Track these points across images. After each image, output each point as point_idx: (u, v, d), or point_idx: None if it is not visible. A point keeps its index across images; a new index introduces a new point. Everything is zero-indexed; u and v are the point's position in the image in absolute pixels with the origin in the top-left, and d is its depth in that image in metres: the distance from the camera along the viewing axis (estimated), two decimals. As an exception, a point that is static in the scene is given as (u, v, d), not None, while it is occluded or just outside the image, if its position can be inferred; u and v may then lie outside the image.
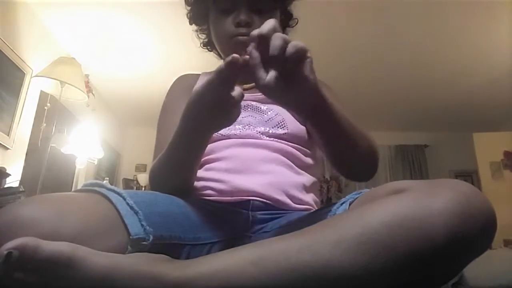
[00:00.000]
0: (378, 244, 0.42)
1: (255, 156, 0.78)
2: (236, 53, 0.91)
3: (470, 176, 4.46)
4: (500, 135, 4.11)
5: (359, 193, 0.60)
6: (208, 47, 1.00)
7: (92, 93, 3.37)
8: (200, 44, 1.01)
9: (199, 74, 0.99)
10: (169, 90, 0.97)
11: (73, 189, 2.99)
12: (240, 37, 0.84)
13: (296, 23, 0.98)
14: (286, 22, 0.97)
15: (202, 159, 0.82)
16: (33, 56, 2.66)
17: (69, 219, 0.48)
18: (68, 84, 2.48)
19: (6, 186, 2.05)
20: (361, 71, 3.53)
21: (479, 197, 0.44)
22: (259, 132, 0.82)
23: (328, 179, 4.70)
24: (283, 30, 0.96)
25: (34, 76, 2.58)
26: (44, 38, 2.84)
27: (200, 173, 0.80)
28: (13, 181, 2.20)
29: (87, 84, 3.09)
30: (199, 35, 1.00)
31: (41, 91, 2.75)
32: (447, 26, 2.88)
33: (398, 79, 3.67)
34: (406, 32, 2.96)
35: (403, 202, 0.44)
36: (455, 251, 0.42)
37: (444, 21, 2.83)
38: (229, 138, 0.82)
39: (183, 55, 3.10)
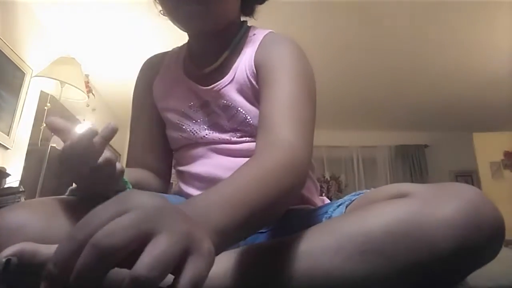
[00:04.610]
0: (381, 253, 0.40)
1: (230, 167, 0.68)
2: (187, 28, 0.75)
3: (470, 176, 4.45)
4: (500, 135, 4.10)
5: (357, 194, 0.58)
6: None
7: (92, 93, 3.36)
8: (160, 11, 0.82)
9: (167, 52, 0.90)
10: (136, 79, 0.91)
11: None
12: (186, 8, 0.66)
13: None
14: None
15: (179, 168, 0.78)
16: (33, 56, 2.66)
17: (58, 223, 0.48)
18: (68, 84, 2.48)
19: (6, 186, 2.04)
20: (361, 71, 3.52)
21: (488, 205, 0.41)
22: (228, 133, 0.73)
23: (328, 179, 4.69)
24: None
25: (34, 76, 2.57)
26: (44, 38, 2.83)
27: (182, 185, 0.77)
28: (13, 181, 2.20)
29: (87, 84, 3.09)
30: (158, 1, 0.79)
31: (41, 91, 2.75)
32: (447, 26, 2.88)
33: (398, 79, 3.67)
34: (406, 32, 2.95)
35: (407, 209, 0.42)
36: (461, 262, 0.41)
37: (444, 21, 2.83)
38: (197, 143, 0.74)
39: (183, 55, 3.09)
